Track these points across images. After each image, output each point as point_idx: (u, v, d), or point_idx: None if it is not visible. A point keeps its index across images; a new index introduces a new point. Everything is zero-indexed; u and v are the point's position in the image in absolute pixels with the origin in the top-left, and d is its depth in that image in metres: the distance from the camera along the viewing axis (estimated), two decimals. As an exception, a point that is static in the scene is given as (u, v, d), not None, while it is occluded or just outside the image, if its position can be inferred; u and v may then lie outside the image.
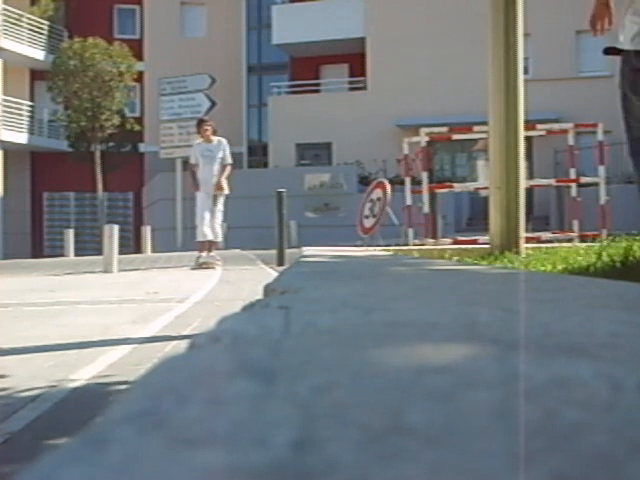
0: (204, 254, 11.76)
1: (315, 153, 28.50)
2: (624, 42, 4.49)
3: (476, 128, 10.69)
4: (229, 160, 11.78)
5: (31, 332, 5.31)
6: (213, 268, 11.56)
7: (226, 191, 11.75)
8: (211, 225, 11.65)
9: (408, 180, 11.42)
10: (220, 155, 11.66)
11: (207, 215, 11.60)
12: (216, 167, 11.63)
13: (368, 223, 13.49)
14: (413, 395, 0.66)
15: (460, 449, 0.53)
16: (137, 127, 30.22)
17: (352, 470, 0.50)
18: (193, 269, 11.75)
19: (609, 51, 4.67)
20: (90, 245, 27.93)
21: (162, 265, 13.60)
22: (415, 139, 11.56)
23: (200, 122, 12.02)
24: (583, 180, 11.87)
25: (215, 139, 11.72)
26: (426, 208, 10.83)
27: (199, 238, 11.70)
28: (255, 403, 0.63)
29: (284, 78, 31.47)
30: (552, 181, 14.43)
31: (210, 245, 11.81)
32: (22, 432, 2.84)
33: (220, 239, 12.03)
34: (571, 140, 11.23)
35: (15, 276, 12.30)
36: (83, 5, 33.45)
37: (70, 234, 21.47)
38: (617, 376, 0.77)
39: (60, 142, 31.40)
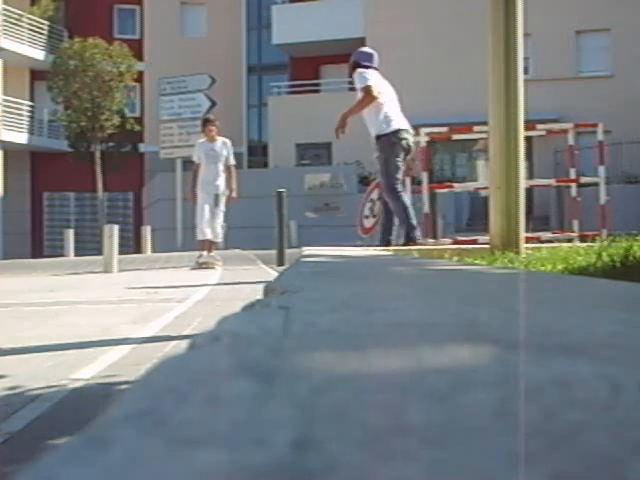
0: (205, 254, 11.76)
1: (315, 153, 28.49)
2: (386, 128, 7.77)
3: (476, 128, 10.67)
4: (232, 161, 11.76)
5: (31, 332, 5.30)
6: (213, 268, 11.56)
7: (234, 195, 11.80)
8: (211, 225, 11.64)
9: (408, 180, 11.41)
10: (224, 155, 11.64)
11: (207, 214, 11.59)
12: (219, 167, 11.62)
13: (368, 223, 13.48)
14: (413, 395, 0.66)
15: (460, 449, 0.53)
16: (137, 127, 30.22)
17: (352, 470, 0.50)
18: (193, 269, 11.75)
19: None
20: (90, 245, 27.93)
21: (162, 265, 13.59)
22: (415, 139, 11.55)
23: (206, 121, 11.97)
24: (583, 180, 11.86)
25: (219, 139, 11.69)
26: (426, 208, 10.82)
27: (198, 237, 11.69)
28: (255, 403, 0.63)
29: (284, 78, 31.47)
30: (552, 181, 14.41)
31: (210, 245, 11.80)
32: (22, 432, 2.84)
33: (220, 239, 12.01)
34: (571, 140, 11.22)
35: (15, 276, 12.30)
36: (83, 5, 33.45)
37: (70, 234, 21.47)
38: (617, 376, 0.77)
39: (60, 142, 31.41)
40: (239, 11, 33.89)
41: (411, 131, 8.04)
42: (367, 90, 7.75)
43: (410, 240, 7.55)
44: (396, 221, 7.84)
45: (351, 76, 8.21)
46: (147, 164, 31.92)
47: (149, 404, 0.62)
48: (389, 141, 7.72)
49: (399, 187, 7.71)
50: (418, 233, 7.70)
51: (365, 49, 8.52)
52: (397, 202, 7.65)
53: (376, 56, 8.31)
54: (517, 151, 5.32)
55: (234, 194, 11.76)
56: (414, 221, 7.68)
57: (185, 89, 25.19)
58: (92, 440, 0.54)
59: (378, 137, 7.86)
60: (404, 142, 7.82)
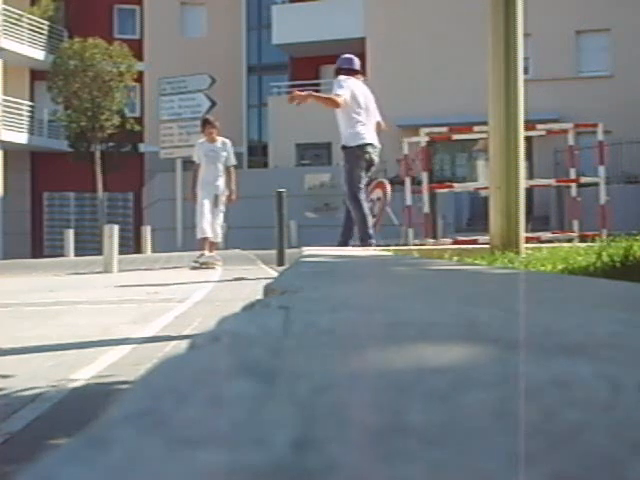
0: (205, 253, 11.75)
1: (315, 153, 28.48)
2: (352, 142, 8.33)
3: (476, 128, 10.68)
4: (233, 162, 11.76)
5: (31, 332, 5.30)
6: (213, 268, 11.55)
7: (233, 197, 11.80)
8: (211, 225, 11.63)
9: (408, 180, 11.41)
10: (224, 156, 11.64)
11: (207, 213, 11.57)
12: (219, 168, 11.61)
13: (368, 223, 13.45)
14: (413, 395, 0.66)
15: (460, 449, 0.53)
16: (137, 127, 30.22)
17: (352, 470, 0.50)
18: (193, 269, 11.74)
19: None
20: (90, 245, 27.92)
21: (162, 265, 13.59)
22: (415, 139, 11.55)
23: (205, 122, 11.94)
24: (583, 180, 11.86)
25: (219, 140, 11.68)
26: (426, 208, 10.83)
27: (198, 235, 11.67)
28: (255, 403, 0.63)
29: (284, 78, 31.47)
30: (552, 181, 14.42)
31: (210, 245, 11.79)
32: (22, 432, 2.84)
33: (220, 239, 12.00)
34: (571, 140, 11.22)
35: (15, 276, 12.30)
36: (83, 5, 33.45)
37: (70, 234, 21.46)
38: (617, 376, 0.77)
39: (60, 142, 31.41)
40: (239, 11, 33.89)
41: (377, 146, 8.59)
42: (335, 96, 8.37)
43: (365, 245, 8.16)
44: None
45: None
46: (147, 164, 31.91)
47: (149, 404, 0.62)
48: (353, 153, 8.34)
49: (361, 195, 8.31)
50: (373, 241, 8.31)
51: (346, 55, 9.09)
52: (358, 210, 8.31)
53: (356, 60, 8.94)
54: (517, 151, 5.32)
55: (233, 196, 11.76)
56: (371, 230, 8.35)
57: (185, 89, 25.20)
58: (92, 440, 0.54)
59: (344, 148, 8.47)
60: (367, 156, 8.40)
